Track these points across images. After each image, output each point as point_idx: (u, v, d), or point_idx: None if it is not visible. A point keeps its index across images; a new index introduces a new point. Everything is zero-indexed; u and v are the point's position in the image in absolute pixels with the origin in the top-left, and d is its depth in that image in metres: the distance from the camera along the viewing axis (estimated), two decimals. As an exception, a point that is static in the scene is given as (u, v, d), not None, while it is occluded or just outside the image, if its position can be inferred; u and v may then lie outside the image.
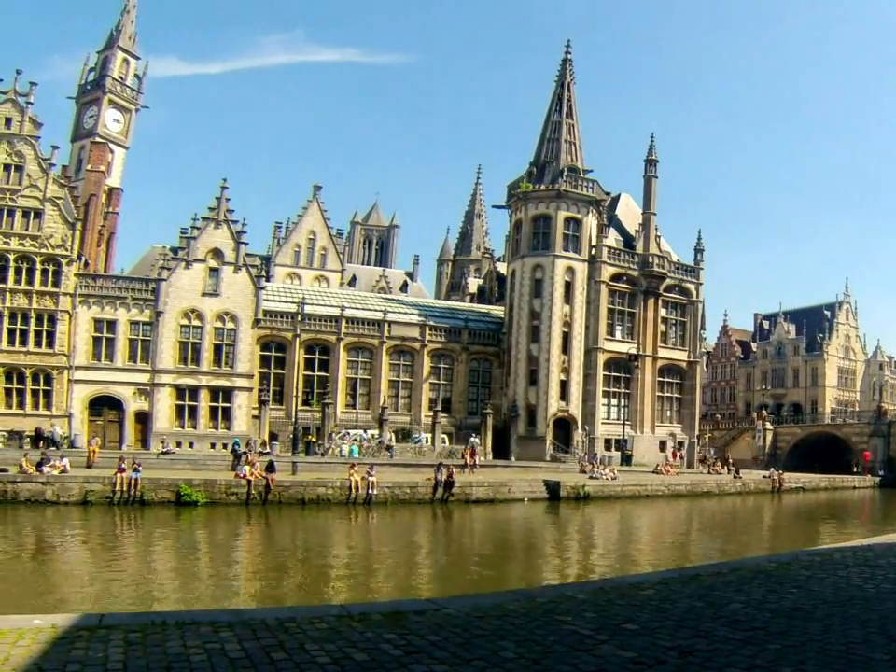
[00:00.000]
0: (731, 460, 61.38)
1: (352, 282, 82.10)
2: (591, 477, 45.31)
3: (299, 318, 54.82)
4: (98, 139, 69.50)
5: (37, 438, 43.33)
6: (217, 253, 52.53)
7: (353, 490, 35.14)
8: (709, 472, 56.77)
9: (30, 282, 48.67)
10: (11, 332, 47.95)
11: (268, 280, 60.81)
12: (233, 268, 52.63)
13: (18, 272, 48.53)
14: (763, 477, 54.97)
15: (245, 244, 53.81)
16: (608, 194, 62.54)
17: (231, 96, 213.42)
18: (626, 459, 55.75)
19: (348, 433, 50.81)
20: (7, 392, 47.60)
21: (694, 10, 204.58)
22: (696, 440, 63.93)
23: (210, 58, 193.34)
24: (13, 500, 31.08)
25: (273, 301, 55.90)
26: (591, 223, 59.41)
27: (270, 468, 34.92)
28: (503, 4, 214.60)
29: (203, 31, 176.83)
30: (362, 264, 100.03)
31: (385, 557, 24.56)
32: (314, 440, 48.97)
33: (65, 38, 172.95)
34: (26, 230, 49.03)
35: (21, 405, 47.69)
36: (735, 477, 53.77)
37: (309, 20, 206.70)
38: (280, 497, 34.12)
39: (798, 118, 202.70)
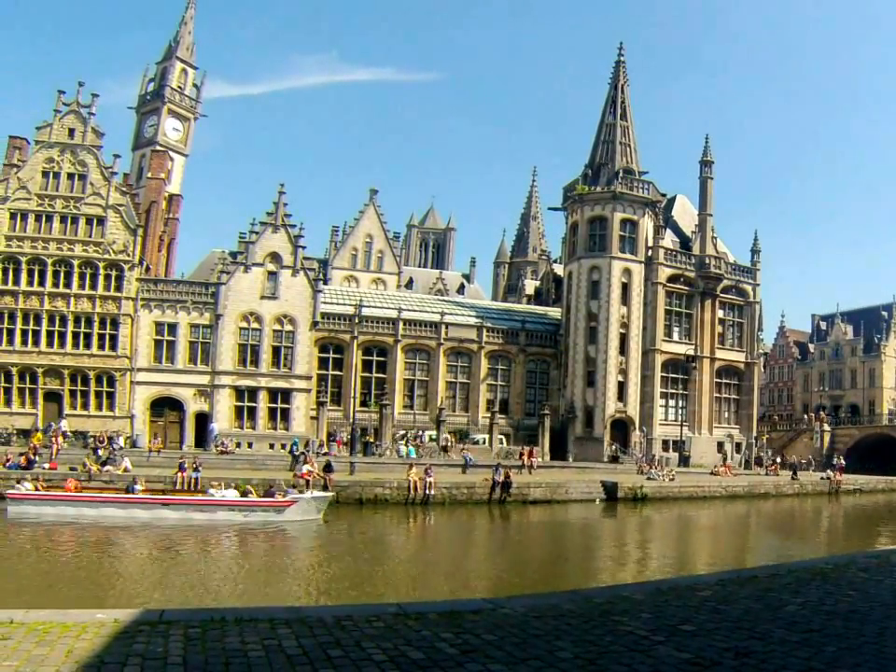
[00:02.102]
0: (789, 461, 60.23)
1: (409, 284, 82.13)
2: (648, 478, 45.00)
3: (356, 320, 54.99)
4: (158, 147, 70.86)
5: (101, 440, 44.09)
6: (275, 257, 53.01)
7: (411, 490, 35.10)
8: (767, 474, 55.87)
9: (93, 287, 49.70)
10: (76, 336, 49.08)
11: (325, 283, 61.24)
12: (291, 271, 53.06)
13: (82, 277, 49.62)
14: (821, 478, 54.07)
15: (303, 247, 54.20)
16: (663, 195, 61.85)
17: (281, 111, 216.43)
18: (684, 460, 55.04)
19: (406, 434, 50.85)
20: (72, 394, 48.75)
21: (750, 4, 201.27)
22: (754, 441, 63.15)
23: (252, 79, 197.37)
24: (77, 499, 31.57)
25: (331, 303, 56.18)
26: (647, 225, 58.87)
27: (328, 468, 35.04)
28: (558, 5, 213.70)
29: (244, 54, 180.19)
30: (419, 267, 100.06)
31: (442, 557, 24.43)
32: (371, 440, 49.06)
33: (125, 51, 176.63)
34: (89, 236, 50.10)
35: (86, 406, 48.81)
36: (792, 478, 52.96)
37: (341, 40, 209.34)
38: (338, 496, 34.13)
39: (855, 118, 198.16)
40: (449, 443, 50.13)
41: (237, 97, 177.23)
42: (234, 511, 28.93)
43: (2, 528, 25.63)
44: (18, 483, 29.39)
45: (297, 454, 39.89)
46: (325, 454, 43.68)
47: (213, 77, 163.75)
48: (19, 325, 48.40)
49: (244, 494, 29.86)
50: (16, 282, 48.66)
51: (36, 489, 28.53)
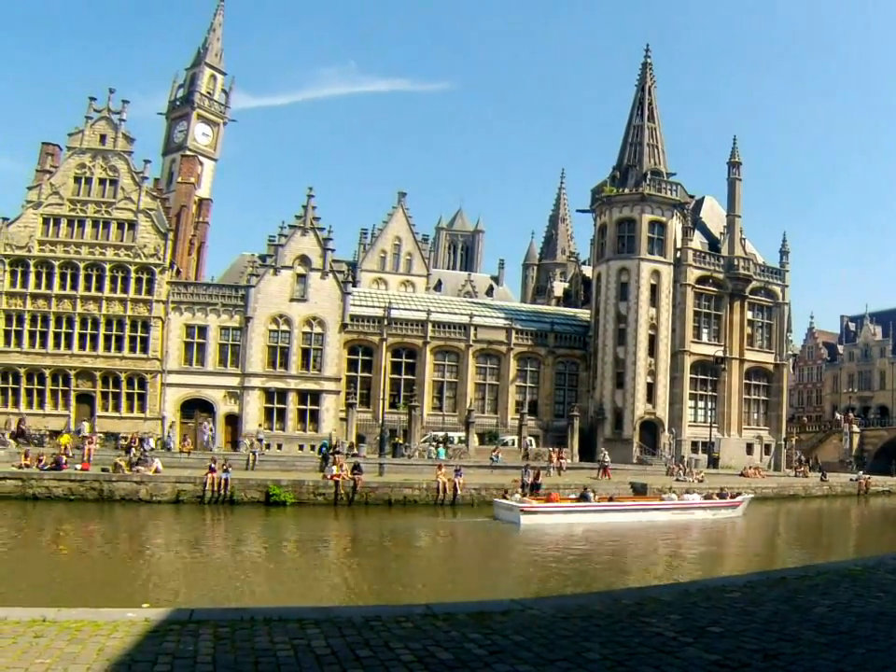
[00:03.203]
0: (818, 462, 59.75)
1: (437, 286, 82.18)
2: (677, 480, 44.81)
3: (385, 322, 55.02)
4: (188, 152, 71.36)
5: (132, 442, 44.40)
6: (304, 260, 53.16)
7: (440, 492, 35.05)
8: (796, 475, 55.56)
9: (125, 290, 50.10)
10: (108, 338, 49.50)
11: (354, 285, 61.35)
12: (320, 274, 53.19)
13: (113, 280, 50.04)
14: (850, 480, 53.83)
15: (332, 250, 54.34)
16: (691, 197, 61.92)
17: (305, 119, 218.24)
18: (713, 462, 54.87)
19: (436, 437, 50.83)
20: (104, 395, 49.18)
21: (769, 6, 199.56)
22: (783, 442, 62.72)
23: (273, 91, 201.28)
24: (109, 498, 31.96)
25: (360, 305, 56.30)
26: (675, 226, 58.68)
27: (357, 469, 35.06)
28: (583, 6, 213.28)
29: (264, 67, 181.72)
30: (447, 269, 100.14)
31: (471, 557, 24.36)
32: (400, 442, 49.08)
33: (153, 58, 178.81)
34: (121, 240, 50.54)
35: (117, 408, 49.23)
36: (821, 480, 52.78)
37: (359, 52, 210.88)
38: (367, 497, 34.23)
39: (885, 117, 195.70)
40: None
41: (259, 108, 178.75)
42: (706, 510, 34.35)
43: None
44: (506, 495, 33.32)
45: (327, 454, 39.95)
46: (354, 455, 43.73)
47: (235, 87, 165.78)
48: (52, 328, 48.91)
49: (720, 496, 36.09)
50: (49, 286, 49.20)
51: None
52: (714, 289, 59.56)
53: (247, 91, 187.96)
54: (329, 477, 34.73)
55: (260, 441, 45.61)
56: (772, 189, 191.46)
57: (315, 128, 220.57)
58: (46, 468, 33.96)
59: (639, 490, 40.43)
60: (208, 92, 79.30)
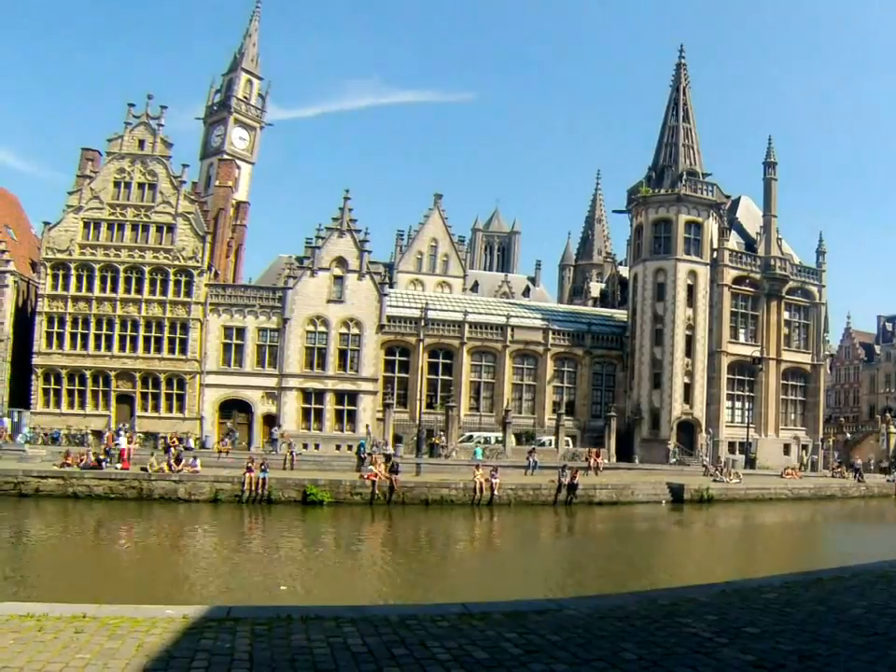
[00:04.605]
0: (856, 463, 58.90)
1: (474, 288, 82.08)
2: (714, 480, 44.50)
3: (422, 323, 55.14)
4: (225, 156, 72.26)
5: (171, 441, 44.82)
6: (341, 261, 53.35)
7: (477, 491, 34.90)
8: (833, 476, 54.97)
9: (164, 292, 50.68)
10: (147, 340, 50.15)
11: (391, 287, 61.58)
12: (357, 275, 53.34)
13: (153, 283, 50.65)
14: (888, 481, 53.17)
15: (369, 252, 54.46)
16: (727, 197, 61.77)
17: (338, 127, 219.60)
18: (750, 462, 54.38)
19: (472, 436, 50.80)
20: (144, 396, 49.80)
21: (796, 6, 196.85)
22: (820, 443, 62.36)
23: (301, 104, 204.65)
24: (148, 497, 32.23)
25: (397, 306, 56.43)
26: (711, 226, 58.48)
27: (394, 469, 35.03)
28: (620, 8, 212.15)
29: (291, 82, 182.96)
30: (484, 270, 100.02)
31: (507, 557, 24.26)
32: (438, 442, 49.06)
33: (191, 64, 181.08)
34: (160, 243, 51.13)
35: (157, 408, 49.86)
36: (858, 481, 52.06)
37: (383, 64, 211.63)
38: (403, 497, 34.15)
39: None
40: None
41: (289, 119, 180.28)
42: None
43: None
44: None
45: (363, 455, 40.00)
46: (391, 455, 43.69)
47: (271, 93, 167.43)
48: (92, 330, 49.64)
49: None
50: (90, 288, 49.88)
51: None
52: (751, 290, 59.29)
53: (277, 103, 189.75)
54: (365, 477, 34.75)
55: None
56: (808, 188, 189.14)
57: (348, 136, 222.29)
58: (86, 467, 34.36)
59: (676, 491, 40.10)
60: (245, 97, 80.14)
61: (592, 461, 44.35)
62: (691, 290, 57.18)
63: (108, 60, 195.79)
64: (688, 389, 56.45)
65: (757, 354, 57.52)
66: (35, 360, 49.00)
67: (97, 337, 49.74)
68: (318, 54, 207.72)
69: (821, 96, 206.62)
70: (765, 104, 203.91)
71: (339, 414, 52.01)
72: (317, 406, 51.68)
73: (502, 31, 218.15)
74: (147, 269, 50.46)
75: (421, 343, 54.89)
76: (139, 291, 50.34)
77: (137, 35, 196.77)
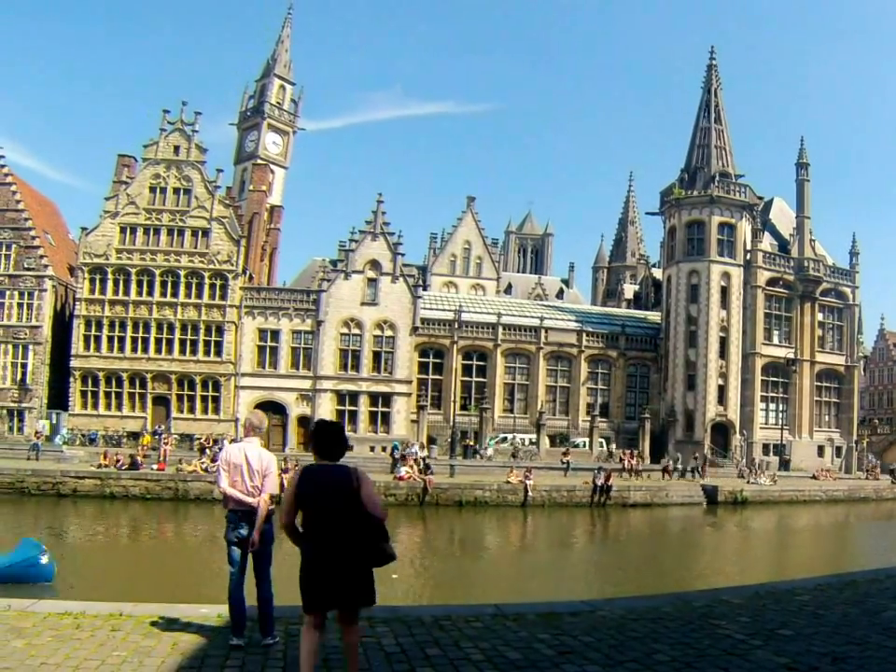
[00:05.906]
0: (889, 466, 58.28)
1: (508, 290, 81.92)
2: (749, 482, 44.43)
3: (456, 325, 55.08)
4: (259, 161, 72.72)
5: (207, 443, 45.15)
6: (374, 264, 53.44)
7: (511, 493, 34.79)
8: (867, 477, 54.69)
9: (199, 295, 51.04)
10: (182, 342, 50.51)
11: (425, 289, 61.54)
12: (391, 278, 53.41)
13: (188, 286, 51.03)
14: (922, 483, 52.66)
15: (402, 254, 54.49)
16: (760, 198, 61.31)
17: (368, 137, 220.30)
18: (784, 464, 53.90)
19: (505, 437, 50.73)
20: (179, 398, 50.18)
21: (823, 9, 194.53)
22: (854, 445, 61.57)
23: (327, 117, 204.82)
24: (184, 497, 32.52)
25: (431, 308, 56.37)
26: (745, 228, 57.98)
27: (427, 470, 35.04)
28: (650, 9, 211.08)
29: (317, 94, 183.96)
30: (517, 272, 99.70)
31: (541, 558, 24.17)
32: (471, 443, 49.00)
33: (223, 71, 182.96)
34: (195, 247, 51.51)
35: (192, 410, 50.23)
36: (892, 483, 51.77)
37: (404, 76, 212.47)
38: (437, 498, 34.21)
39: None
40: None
41: (316, 131, 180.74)
42: None
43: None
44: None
45: (397, 456, 40.03)
46: (425, 457, 43.66)
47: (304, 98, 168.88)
48: (129, 333, 50.11)
49: None
50: (126, 292, 50.38)
51: None
52: (784, 291, 58.74)
53: (304, 115, 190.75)
54: (398, 478, 34.78)
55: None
56: (841, 189, 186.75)
57: (377, 144, 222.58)
58: (123, 467, 34.72)
59: (710, 493, 39.81)
60: (278, 102, 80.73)
61: (626, 463, 44.21)
62: (724, 292, 56.75)
63: (146, 67, 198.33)
64: (722, 391, 56.00)
65: (791, 355, 57.02)
66: (73, 363, 49.60)
67: (133, 340, 50.20)
68: (341, 67, 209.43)
69: (854, 94, 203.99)
70: (798, 103, 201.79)
71: (373, 416, 52.08)
72: (351, 408, 51.76)
73: (528, 36, 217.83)
74: (182, 272, 50.87)
75: (455, 345, 54.85)
76: (175, 295, 50.76)
77: (171, 43, 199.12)
